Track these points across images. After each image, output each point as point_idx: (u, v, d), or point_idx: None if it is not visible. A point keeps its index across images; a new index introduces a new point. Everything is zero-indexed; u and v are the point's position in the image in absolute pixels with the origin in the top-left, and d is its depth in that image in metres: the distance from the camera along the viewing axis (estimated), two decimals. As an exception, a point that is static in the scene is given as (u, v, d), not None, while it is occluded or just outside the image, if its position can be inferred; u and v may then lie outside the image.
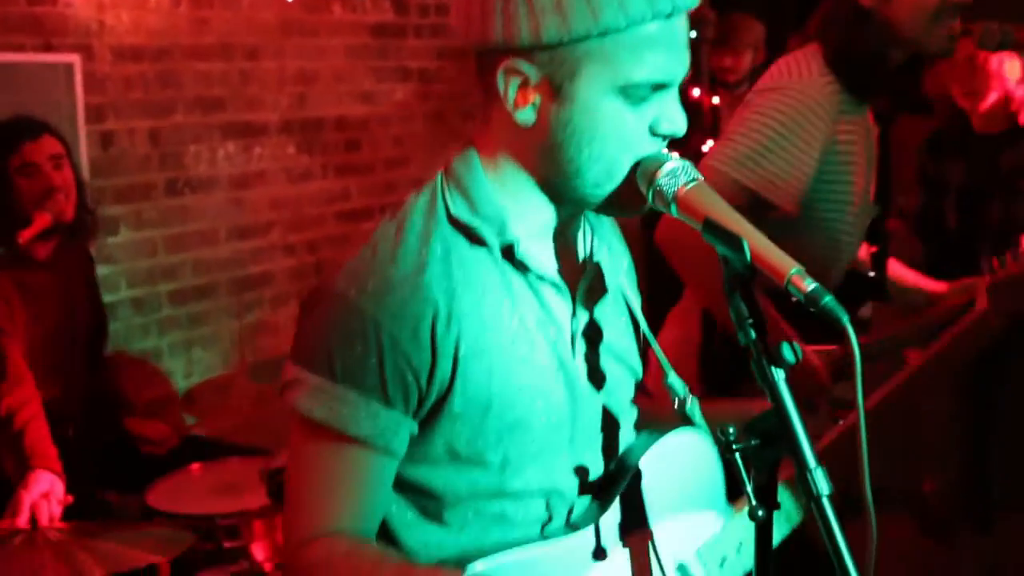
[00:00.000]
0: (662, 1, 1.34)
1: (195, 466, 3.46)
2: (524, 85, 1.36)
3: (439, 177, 1.47)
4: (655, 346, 1.59)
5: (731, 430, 1.32)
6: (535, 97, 1.37)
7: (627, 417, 1.59)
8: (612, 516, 1.49)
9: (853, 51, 2.56)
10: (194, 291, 4.79)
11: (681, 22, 1.38)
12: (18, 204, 3.21)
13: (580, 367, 1.50)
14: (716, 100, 4.96)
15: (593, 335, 1.53)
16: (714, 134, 4.76)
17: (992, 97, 3.91)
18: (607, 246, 1.58)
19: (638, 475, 1.51)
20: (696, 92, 4.97)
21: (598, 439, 1.53)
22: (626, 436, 1.58)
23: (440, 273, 1.39)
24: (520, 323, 1.44)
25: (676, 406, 1.58)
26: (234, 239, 4.91)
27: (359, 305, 1.37)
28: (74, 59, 4.22)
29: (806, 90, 2.53)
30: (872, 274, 2.91)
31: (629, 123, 1.37)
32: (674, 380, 1.58)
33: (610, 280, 1.55)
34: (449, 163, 1.47)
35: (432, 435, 1.43)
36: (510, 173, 1.44)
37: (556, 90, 1.36)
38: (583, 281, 1.50)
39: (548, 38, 1.33)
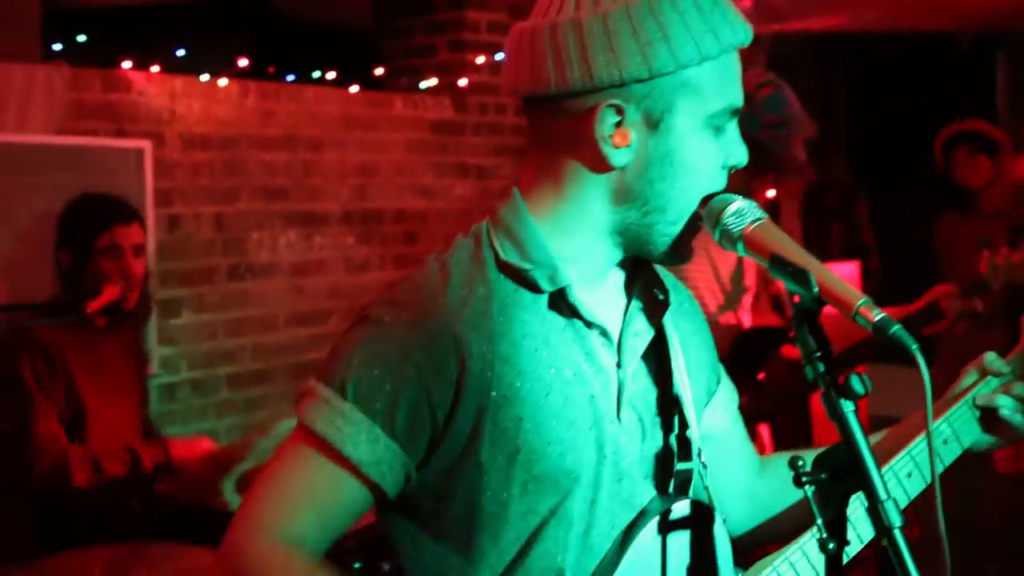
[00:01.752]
0: (739, 32, 1.41)
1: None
2: (620, 125, 1.38)
3: (484, 225, 1.46)
4: (684, 405, 1.52)
5: (801, 462, 1.31)
6: (632, 135, 1.39)
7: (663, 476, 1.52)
8: None
9: None
10: (252, 376, 4.84)
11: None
12: (94, 281, 3.31)
13: (619, 424, 1.45)
14: (771, 194, 5.01)
15: (645, 384, 1.50)
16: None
17: None
18: (669, 298, 1.53)
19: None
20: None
21: (620, 502, 1.46)
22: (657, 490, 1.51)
23: (481, 313, 1.38)
24: (557, 374, 1.41)
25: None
26: (293, 325, 4.97)
27: (391, 330, 1.37)
28: (145, 145, 4.35)
29: None
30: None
31: (713, 157, 1.42)
32: (692, 435, 1.52)
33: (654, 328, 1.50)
34: (495, 211, 1.47)
35: (455, 490, 1.39)
36: (572, 218, 1.43)
37: (655, 124, 1.38)
38: (624, 328, 1.47)
39: (656, 68, 1.36)
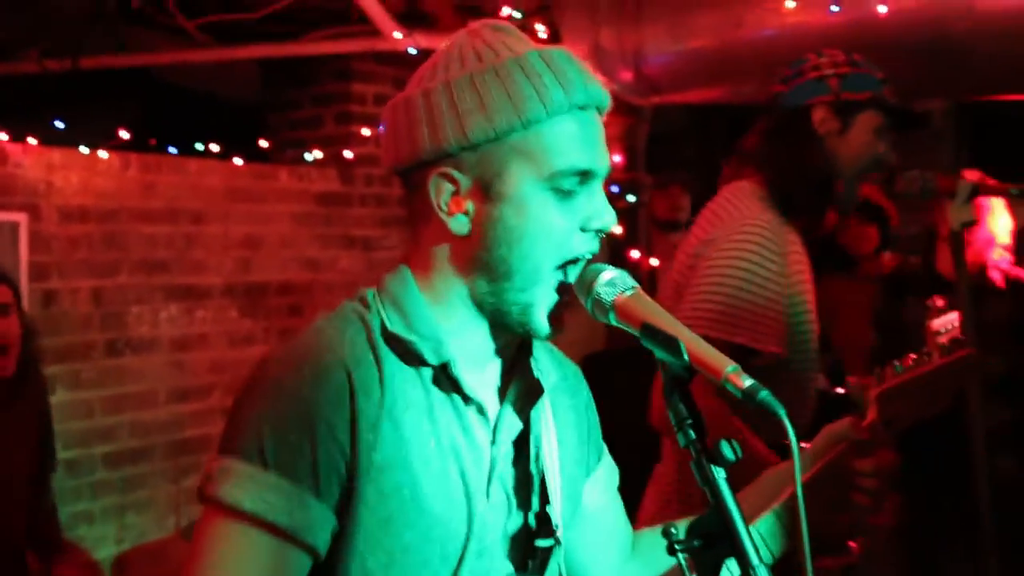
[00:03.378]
0: (577, 93, 1.41)
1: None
2: (456, 194, 1.41)
3: (370, 294, 1.47)
4: (550, 489, 1.52)
5: (673, 530, 1.31)
6: (468, 203, 1.41)
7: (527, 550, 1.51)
8: None
9: (801, 174, 2.58)
10: (130, 454, 4.70)
11: (597, 117, 1.45)
12: None
13: (487, 500, 1.45)
14: (655, 262, 5.08)
15: (516, 463, 1.50)
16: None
17: None
18: (547, 378, 1.53)
19: None
20: (635, 254, 5.08)
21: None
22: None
23: (370, 377, 1.38)
24: (437, 446, 1.41)
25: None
26: (173, 401, 4.87)
27: (295, 390, 1.35)
28: (20, 218, 4.25)
29: (756, 227, 2.53)
30: (839, 390, 2.86)
31: (556, 220, 1.41)
32: (553, 513, 1.52)
33: (532, 408, 1.50)
34: (381, 281, 1.48)
35: (336, 556, 1.38)
36: (444, 291, 1.45)
37: (486, 190, 1.40)
38: (502, 409, 1.48)
39: (475, 138, 1.39)
